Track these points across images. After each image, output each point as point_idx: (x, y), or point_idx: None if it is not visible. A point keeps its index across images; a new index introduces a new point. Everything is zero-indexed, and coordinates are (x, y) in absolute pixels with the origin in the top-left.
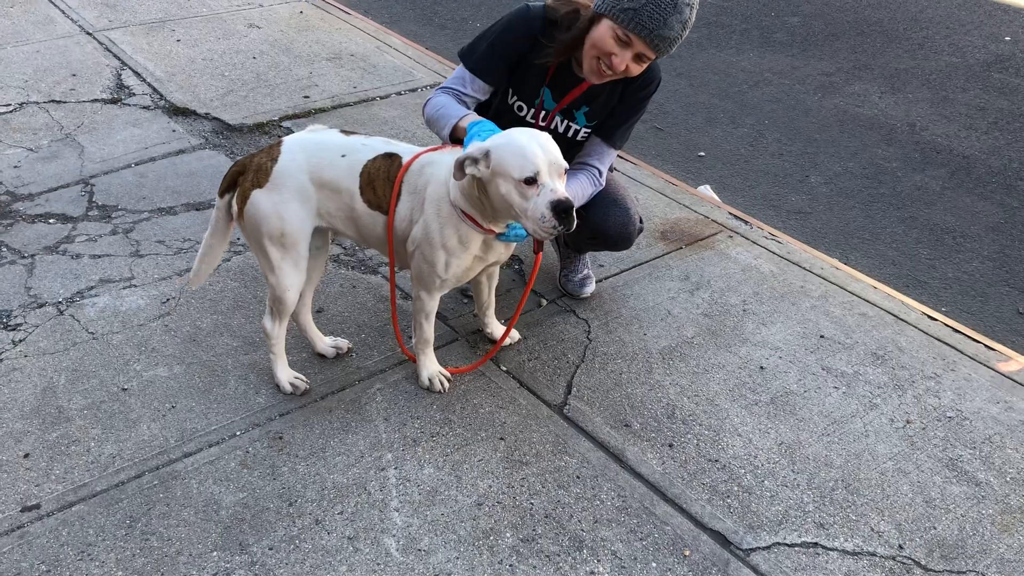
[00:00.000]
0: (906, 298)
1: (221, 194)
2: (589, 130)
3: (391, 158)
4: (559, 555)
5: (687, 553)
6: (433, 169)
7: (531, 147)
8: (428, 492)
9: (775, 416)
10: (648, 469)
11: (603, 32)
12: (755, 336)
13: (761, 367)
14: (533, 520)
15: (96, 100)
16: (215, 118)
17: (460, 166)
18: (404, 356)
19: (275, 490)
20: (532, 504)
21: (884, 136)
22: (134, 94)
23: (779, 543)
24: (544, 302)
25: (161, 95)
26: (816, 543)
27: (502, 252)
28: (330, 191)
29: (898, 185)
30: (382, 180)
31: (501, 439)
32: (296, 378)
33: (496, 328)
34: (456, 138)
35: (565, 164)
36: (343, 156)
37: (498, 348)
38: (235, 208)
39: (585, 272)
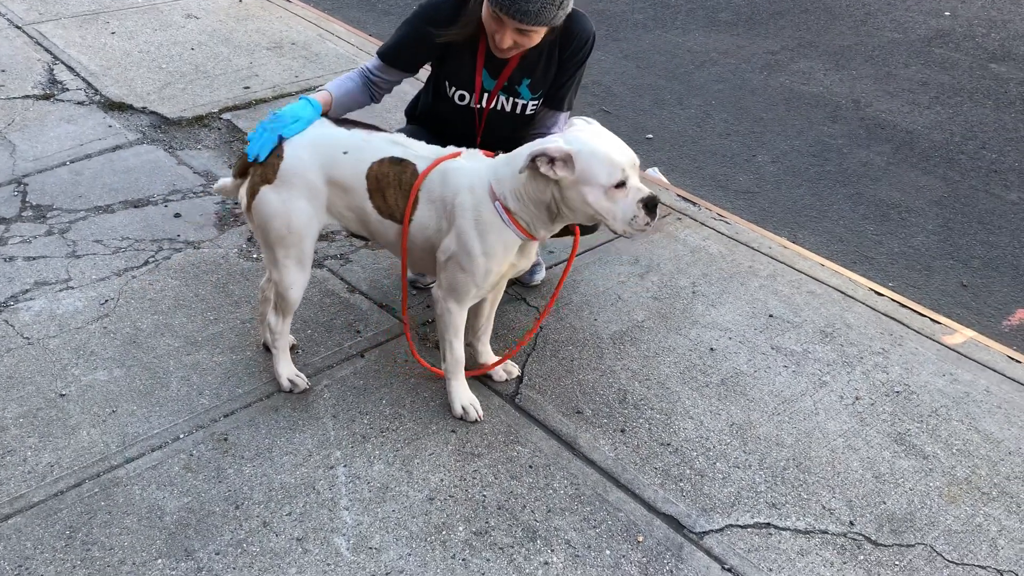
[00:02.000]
0: (853, 275)
1: (234, 176)
2: (537, 102)
3: (402, 164)
4: (512, 547)
5: (640, 539)
6: (460, 177)
7: (615, 152)
8: (378, 489)
9: (726, 397)
10: (600, 455)
11: (486, 12)
12: (705, 318)
13: (711, 348)
14: (486, 512)
15: (27, 96)
16: (153, 112)
17: (533, 162)
18: (351, 352)
19: (221, 493)
20: (485, 496)
21: (829, 113)
22: (67, 89)
23: (732, 525)
24: None
25: (96, 89)
26: (769, 523)
27: (532, 255)
28: (340, 189)
29: (844, 162)
30: (393, 188)
31: (452, 432)
32: (297, 375)
33: (488, 356)
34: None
35: (637, 159)
36: (345, 153)
37: (487, 370)
38: (244, 200)
39: (535, 259)
